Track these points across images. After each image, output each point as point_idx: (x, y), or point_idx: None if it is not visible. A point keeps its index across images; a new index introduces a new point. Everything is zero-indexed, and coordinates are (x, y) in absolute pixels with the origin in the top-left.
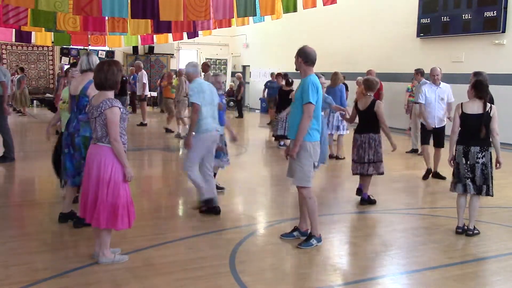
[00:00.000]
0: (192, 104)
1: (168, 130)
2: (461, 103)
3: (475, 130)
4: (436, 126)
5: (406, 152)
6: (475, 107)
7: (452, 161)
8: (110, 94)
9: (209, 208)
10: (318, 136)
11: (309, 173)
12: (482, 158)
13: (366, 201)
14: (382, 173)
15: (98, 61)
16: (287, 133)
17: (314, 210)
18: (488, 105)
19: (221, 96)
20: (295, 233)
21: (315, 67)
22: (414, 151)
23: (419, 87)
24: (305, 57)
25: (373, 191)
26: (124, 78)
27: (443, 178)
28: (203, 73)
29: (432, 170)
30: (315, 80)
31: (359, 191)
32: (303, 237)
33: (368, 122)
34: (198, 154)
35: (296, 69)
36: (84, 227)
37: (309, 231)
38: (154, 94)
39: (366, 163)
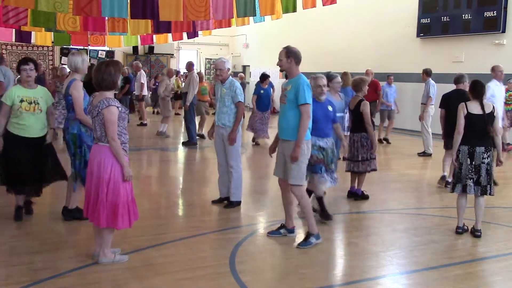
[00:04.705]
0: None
1: (200, 136)
2: (465, 103)
3: (480, 130)
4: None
5: (418, 153)
6: (479, 108)
7: (455, 162)
8: (109, 94)
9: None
10: (310, 135)
11: (304, 170)
12: (487, 158)
13: (360, 196)
14: (374, 170)
15: (79, 61)
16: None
17: (308, 208)
18: (490, 105)
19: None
20: (281, 231)
21: (316, 66)
22: (426, 154)
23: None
24: (296, 57)
25: (373, 190)
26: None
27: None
28: (188, 72)
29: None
30: (306, 80)
31: (351, 194)
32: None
33: (359, 122)
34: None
35: (281, 70)
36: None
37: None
38: None
39: (360, 161)
